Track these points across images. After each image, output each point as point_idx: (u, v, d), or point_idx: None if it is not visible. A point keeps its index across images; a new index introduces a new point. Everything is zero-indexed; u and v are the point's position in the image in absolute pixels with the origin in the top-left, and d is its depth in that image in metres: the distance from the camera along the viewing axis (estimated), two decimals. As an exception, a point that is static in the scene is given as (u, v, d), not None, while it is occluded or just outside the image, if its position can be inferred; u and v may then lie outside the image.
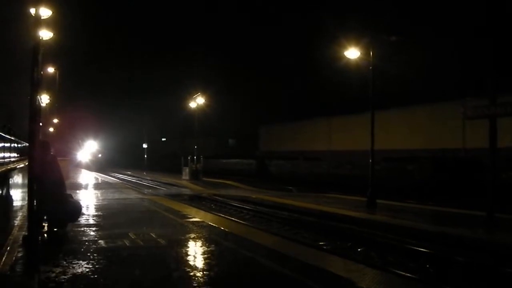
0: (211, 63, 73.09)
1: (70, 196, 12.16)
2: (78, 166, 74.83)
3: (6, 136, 11.85)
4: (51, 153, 12.20)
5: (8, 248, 9.44)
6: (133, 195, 23.28)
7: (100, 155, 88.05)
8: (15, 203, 12.38)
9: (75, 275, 7.52)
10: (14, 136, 14.72)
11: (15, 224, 12.27)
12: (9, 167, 10.86)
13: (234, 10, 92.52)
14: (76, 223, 11.88)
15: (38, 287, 6.96)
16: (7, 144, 12.94)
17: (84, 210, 13.97)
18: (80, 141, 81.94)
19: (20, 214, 13.51)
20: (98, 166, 79.82)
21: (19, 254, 9.03)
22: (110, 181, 36.84)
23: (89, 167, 77.06)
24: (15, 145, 15.53)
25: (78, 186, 28.41)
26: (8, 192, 10.60)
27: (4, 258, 8.56)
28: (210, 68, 68.24)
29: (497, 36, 15.23)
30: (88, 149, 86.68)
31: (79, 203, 12.34)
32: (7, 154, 13.27)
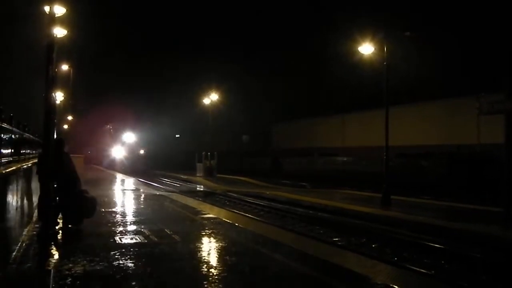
0: (224, 59, 72.87)
1: (86, 191, 12.22)
2: (111, 166, 57.07)
3: (18, 131, 11.90)
4: (65, 150, 12.28)
5: (24, 244, 9.50)
6: (147, 192, 23.35)
7: (142, 151, 59.94)
8: (30, 199, 12.46)
9: (89, 271, 7.54)
10: (29, 133, 14.82)
11: (32, 220, 12.36)
12: (19, 165, 10.92)
13: (244, 7, 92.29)
14: (91, 219, 11.91)
15: (52, 283, 6.99)
16: (20, 140, 13.00)
17: (98, 207, 14.02)
18: (113, 133, 59.98)
19: (37, 210, 13.60)
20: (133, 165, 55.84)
21: (34, 250, 9.09)
22: (124, 178, 36.96)
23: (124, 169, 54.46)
24: (29, 138, 15.61)
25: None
26: (22, 188, 10.67)
27: (19, 254, 8.62)
28: (223, 64, 68.15)
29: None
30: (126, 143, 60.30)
31: (94, 199, 12.36)
32: (24, 150, 13.36)
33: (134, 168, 53.40)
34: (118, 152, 58.64)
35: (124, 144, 58.67)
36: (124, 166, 54.47)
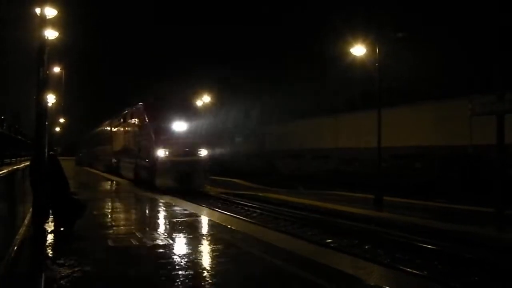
0: (216, 61, 72.67)
1: (74, 194, 12.21)
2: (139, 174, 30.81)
3: (9, 133, 11.86)
4: (51, 152, 12.25)
5: (15, 247, 9.45)
6: (137, 193, 23.26)
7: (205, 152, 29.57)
8: (22, 202, 12.40)
9: (81, 275, 7.51)
10: (20, 135, 14.77)
11: (24, 223, 12.31)
12: (11, 168, 10.88)
13: (232, 9, 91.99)
14: (82, 222, 11.86)
15: (44, 286, 6.96)
16: (12, 143, 12.97)
17: (89, 209, 13.96)
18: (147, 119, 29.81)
19: (29, 213, 13.55)
20: None
21: (26, 253, 9.05)
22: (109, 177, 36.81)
23: None
24: (22, 141, 15.57)
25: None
26: (14, 190, 10.62)
27: (11, 257, 8.57)
28: (215, 66, 68.01)
29: (504, 30, 15.18)
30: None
31: (82, 201, 12.31)
32: (16, 153, 13.32)
33: (190, 183, 27.68)
34: (157, 152, 27.74)
35: (170, 137, 28.58)
36: (166, 178, 27.17)
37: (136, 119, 32.18)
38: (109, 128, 44.37)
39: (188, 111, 30.37)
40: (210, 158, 30.36)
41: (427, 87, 36.83)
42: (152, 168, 27.74)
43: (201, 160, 28.85)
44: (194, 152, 28.74)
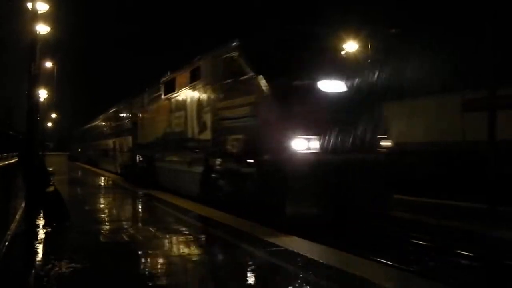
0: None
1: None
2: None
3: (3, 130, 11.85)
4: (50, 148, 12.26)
5: (6, 243, 9.45)
6: (132, 190, 23.20)
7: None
8: (13, 198, 12.38)
9: (72, 270, 7.51)
10: (12, 131, 14.76)
11: (16, 219, 12.29)
12: (7, 162, 10.87)
13: (223, 4, 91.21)
14: (76, 218, 11.86)
15: (34, 282, 6.96)
16: (3, 138, 12.96)
17: (86, 205, 13.93)
18: None
19: (21, 208, 13.53)
20: None
21: (17, 249, 9.04)
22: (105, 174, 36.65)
23: None
24: (13, 136, 15.54)
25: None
26: (5, 187, 10.61)
27: (2, 252, 8.57)
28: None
29: (496, 26, 15.21)
30: None
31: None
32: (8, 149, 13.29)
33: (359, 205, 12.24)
34: (288, 142, 11.09)
35: (315, 112, 11.59)
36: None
37: (216, 77, 15.00)
38: (128, 111, 29.52)
39: (350, 59, 16.21)
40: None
41: (420, 83, 36.86)
42: (274, 178, 11.86)
43: (382, 160, 14.12)
44: (368, 144, 13.51)
